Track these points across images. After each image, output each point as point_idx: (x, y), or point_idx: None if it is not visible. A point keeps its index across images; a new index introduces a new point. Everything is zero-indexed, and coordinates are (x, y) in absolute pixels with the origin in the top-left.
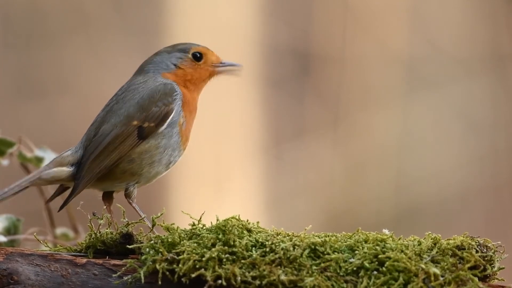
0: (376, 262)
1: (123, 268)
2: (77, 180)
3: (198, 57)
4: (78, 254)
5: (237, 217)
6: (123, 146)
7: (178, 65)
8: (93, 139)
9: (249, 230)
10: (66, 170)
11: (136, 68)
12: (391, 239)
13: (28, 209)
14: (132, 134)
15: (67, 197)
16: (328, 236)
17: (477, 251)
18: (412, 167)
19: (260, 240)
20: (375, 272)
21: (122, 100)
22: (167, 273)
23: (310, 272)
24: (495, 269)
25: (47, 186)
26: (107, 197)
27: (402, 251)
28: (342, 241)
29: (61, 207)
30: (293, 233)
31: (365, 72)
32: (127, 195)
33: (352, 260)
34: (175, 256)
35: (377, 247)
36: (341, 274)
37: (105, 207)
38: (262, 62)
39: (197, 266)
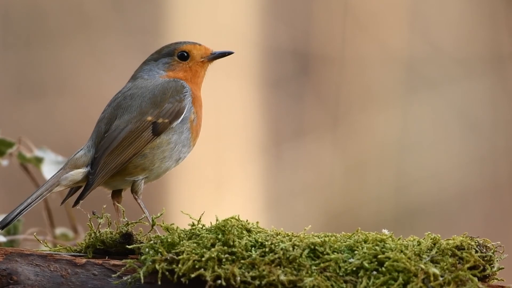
0: (376, 262)
1: (123, 268)
2: (91, 176)
3: (185, 56)
4: (78, 254)
5: (236, 217)
6: (138, 141)
7: (170, 68)
8: (105, 135)
9: (248, 230)
10: (83, 171)
11: (135, 69)
12: (390, 239)
13: None
14: (147, 130)
15: (81, 192)
16: (328, 236)
17: (476, 251)
18: (412, 167)
19: (259, 240)
20: (374, 272)
21: (130, 97)
22: (167, 273)
23: (309, 272)
24: (495, 269)
25: None
26: (116, 195)
27: (401, 251)
28: (341, 241)
29: (76, 203)
30: (292, 233)
31: (365, 72)
32: (134, 191)
33: (351, 260)
34: (175, 256)
35: (376, 247)
36: (341, 274)
37: (105, 206)
38: (262, 62)
39: (196, 266)
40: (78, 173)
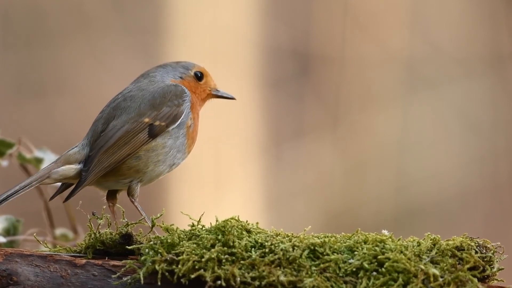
0: (376, 263)
1: (123, 269)
2: (84, 173)
3: (199, 76)
4: (78, 255)
5: (236, 218)
6: (134, 142)
7: (183, 78)
8: (101, 134)
9: (248, 231)
10: (74, 167)
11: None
12: (390, 239)
13: (27, 209)
14: (143, 131)
15: (73, 188)
16: (328, 236)
17: (476, 252)
18: (412, 167)
19: (259, 240)
20: (374, 273)
21: (130, 98)
22: (167, 274)
23: (309, 272)
24: (495, 270)
25: (46, 186)
26: (111, 197)
27: (401, 251)
28: (341, 241)
29: (67, 198)
30: (292, 233)
31: (365, 72)
32: (130, 194)
33: (351, 261)
34: (175, 257)
35: (376, 247)
36: (341, 275)
37: (105, 207)
38: (262, 63)
39: (196, 267)
40: (70, 169)
